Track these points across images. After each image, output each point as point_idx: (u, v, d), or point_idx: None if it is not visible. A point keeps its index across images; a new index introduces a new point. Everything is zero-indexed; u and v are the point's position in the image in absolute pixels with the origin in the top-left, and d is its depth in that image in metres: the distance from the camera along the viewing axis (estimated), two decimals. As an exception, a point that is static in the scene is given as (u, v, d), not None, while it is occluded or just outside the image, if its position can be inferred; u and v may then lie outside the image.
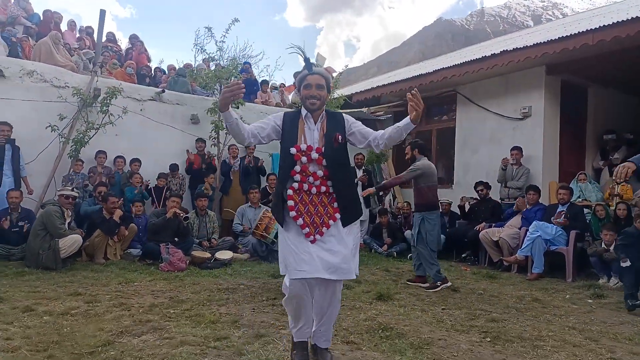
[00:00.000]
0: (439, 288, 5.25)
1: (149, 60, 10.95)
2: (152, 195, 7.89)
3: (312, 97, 2.87)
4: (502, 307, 4.54)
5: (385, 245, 7.97)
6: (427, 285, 5.36)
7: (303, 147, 2.87)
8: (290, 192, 2.86)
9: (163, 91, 8.73)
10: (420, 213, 5.40)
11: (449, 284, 5.37)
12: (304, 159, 2.86)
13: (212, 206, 8.17)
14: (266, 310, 4.21)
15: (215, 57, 8.82)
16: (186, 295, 4.66)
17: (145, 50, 10.89)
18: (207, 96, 9.26)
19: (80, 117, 7.60)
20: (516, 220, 7.00)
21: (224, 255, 6.63)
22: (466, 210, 8.04)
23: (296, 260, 2.76)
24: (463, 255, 7.57)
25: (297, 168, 2.86)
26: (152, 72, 10.46)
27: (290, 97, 11.93)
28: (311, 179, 2.86)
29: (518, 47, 7.45)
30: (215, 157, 8.54)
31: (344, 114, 3.02)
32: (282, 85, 12.05)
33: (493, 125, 8.54)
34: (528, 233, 6.33)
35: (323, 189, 2.88)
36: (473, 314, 4.27)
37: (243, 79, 10.16)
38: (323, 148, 2.87)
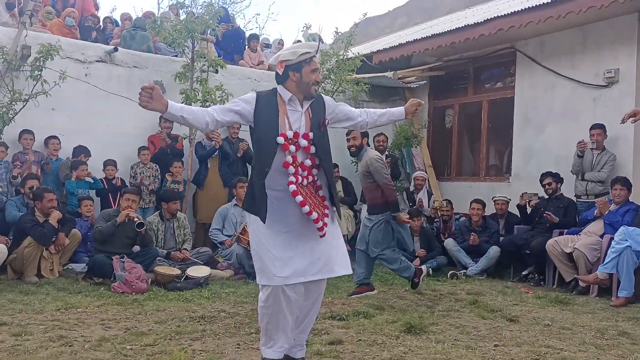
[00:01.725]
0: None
1: (97, 8, 10.98)
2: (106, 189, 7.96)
3: (318, 84, 3.40)
4: (577, 344, 4.52)
5: (418, 259, 7.98)
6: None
7: (289, 134, 3.34)
8: (293, 187, 3.31)
9: (116, 49, 8.74)
10: (384, 214, 6.19)
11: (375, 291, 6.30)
12: (292, 147, 3.34)
13: (182, 206, 8.20)
14: (256, 346, 4.21)
15: (186, 2, 8.82)
16: (148, 326, 4.69)
17: (92, -7, 10.91)
18: (175, 56, 9.26)
19: (4, 85, 7.64)
20: (597, 225, 6.98)
21: (199, 271, 6.67)
22: (528, 211, 8.01)
23: (284, 264, 3.31)
24: (524, 273, 7.57)
25: (289, 159, 3.33)
26: (101, 23, 10.48)
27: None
28: (300, 169, 3.37)
29: (601, -14, 7.36)
30: (187, 139, 8.55)
31: (321, 94, 3.62)
32: (280, 42, 12.04)
33: (566, 95, 8.48)
34: (613, 243, 6.29)
35: (310, 179, 3.42)
36: (537, 352, 4.25)
37: (224, 30, 10.18)
38: (311, 134, 3.41)
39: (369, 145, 6.51)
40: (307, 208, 3.29)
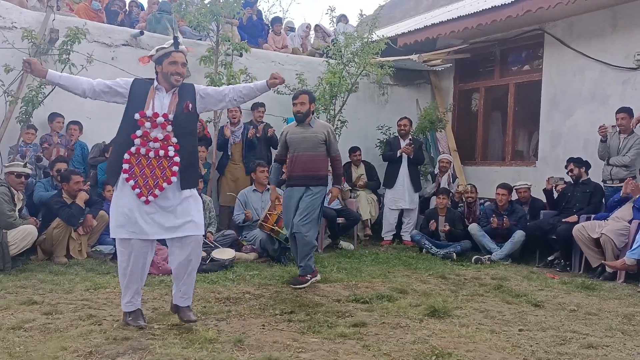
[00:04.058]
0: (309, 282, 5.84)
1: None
2: None
3: (178, 74, 4.12)
4: (603, 329, 4.51)
5: (445, 227, 8.13)
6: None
7: (149, 113, 4.08)
8: (127, 155, 4.03)
9: (142, 33, 8.79)
10: (323, 187, 6.00)
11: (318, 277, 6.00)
12: (147, 124, 4.06)
13: (207, 190, 8.27)
14: (280, 327, 4.27)
15: (210, -15, 8.82)
16: (174, 306, 4.76)
17: (117, -23, 10.93)
18: (200, 40, 9.29)
19: (33, 69, 7.72)
20: (625, 210, 6.89)
21: (224, 254, 6.73)
22: (555, 196, 7.94)
23: (128, 222, 4.01)
24: (550, 259, 7.52)
25: (139, 132, 4.05)
26: (127, 7, 10.54)
27: (312, 40, 11.88)
28: (151, 143, 4.05)
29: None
30: (212, 123, 8.61)
31: (193, 84, 4.35)
32: (308, 26, 11.99)
33: (595, 78, 8.36)
34: (642, 228, 6.23)
35: (162, 152, 4.06)
36: (562, 337, 4.25)
37: (247, 15, 10.18)
38: (171, 115, 4.11)
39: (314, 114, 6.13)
40: (125, 175, 4.02)
